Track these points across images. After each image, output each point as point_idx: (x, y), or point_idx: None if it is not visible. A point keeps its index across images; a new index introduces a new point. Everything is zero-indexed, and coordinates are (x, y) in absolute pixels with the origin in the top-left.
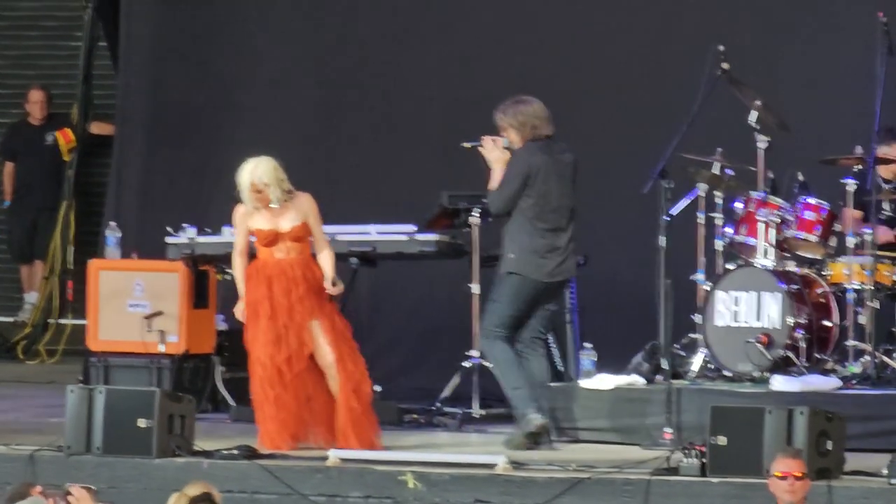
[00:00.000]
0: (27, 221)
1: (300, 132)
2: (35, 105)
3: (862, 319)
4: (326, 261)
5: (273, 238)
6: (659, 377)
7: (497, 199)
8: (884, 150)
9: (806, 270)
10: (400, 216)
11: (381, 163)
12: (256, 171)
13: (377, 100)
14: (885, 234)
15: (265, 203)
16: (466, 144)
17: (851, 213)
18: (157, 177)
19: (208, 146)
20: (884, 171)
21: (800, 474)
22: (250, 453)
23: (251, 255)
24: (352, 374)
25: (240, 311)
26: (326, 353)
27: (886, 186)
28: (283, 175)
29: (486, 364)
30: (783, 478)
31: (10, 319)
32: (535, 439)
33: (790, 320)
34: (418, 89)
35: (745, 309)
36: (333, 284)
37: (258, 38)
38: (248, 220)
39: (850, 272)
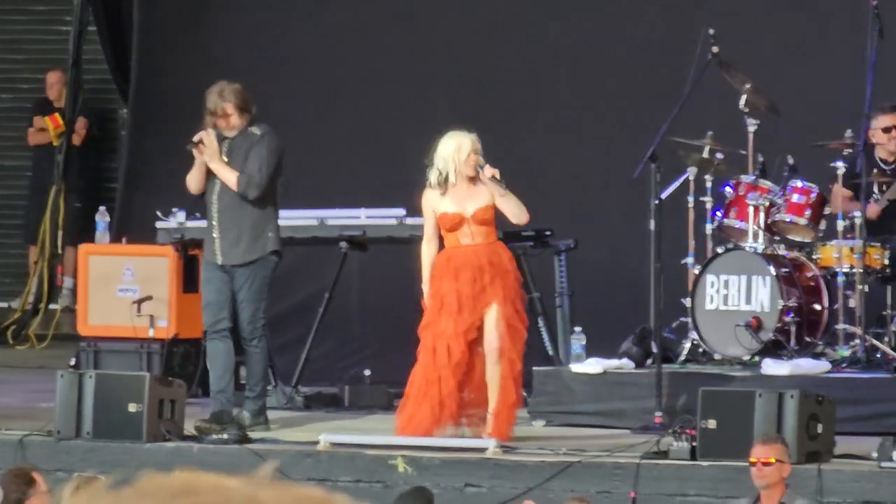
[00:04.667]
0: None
1: (300, 115)
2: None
3: (852, 303)
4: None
5: (458, 222)
6: (649, 361)
7: (264, 183)
8: (884, 121)
9: (796, 254)
10: (402, 201)
11: (380, 147)
12: (465, 140)
13: (378, 85)
14: (871, 208)
15: (472, 168)
16: (190, 146)
17: (841, 191)
18: (146, 160)
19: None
20: (882, 150)
21: (768, 461)
22: (240, 438)
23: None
24: (514, 365)
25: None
26: (493, 340)
27: (886, 168)
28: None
29: None
30: (753, 464)
31: (5, 305)
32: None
33: (780, 304)
34: (419, 74)
35: (734, 292)
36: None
37: (257, 19)
38: (434, 204)
39: (839, 255)
